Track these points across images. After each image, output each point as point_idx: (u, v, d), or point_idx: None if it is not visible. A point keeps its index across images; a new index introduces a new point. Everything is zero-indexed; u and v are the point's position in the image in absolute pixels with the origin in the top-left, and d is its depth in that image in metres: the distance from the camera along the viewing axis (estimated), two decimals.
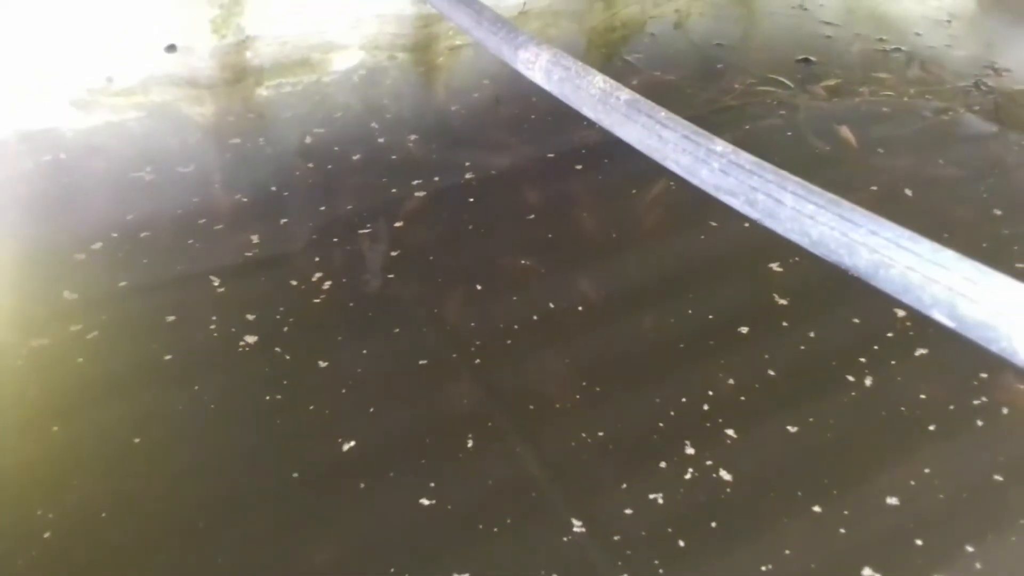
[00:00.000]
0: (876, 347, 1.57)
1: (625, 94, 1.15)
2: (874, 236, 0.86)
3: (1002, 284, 0.79)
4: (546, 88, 1.29)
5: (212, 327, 1.55)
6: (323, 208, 1.89)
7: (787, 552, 1.22)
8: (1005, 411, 1.45)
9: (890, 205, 1.98)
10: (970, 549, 1.22)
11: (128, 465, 1.32)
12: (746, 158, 1.00)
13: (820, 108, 2.41)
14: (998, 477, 1.34)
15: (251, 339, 1.52)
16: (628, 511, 1.26)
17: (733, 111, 2.38)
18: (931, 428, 1.42)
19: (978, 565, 1.20)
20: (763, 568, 1.20)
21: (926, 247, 0.84)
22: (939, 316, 0.82)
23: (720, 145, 1.03)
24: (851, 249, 0.88)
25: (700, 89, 2.48)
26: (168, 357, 1.49)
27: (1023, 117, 2.38)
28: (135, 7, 2.31)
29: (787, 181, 0.95)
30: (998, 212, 1.96)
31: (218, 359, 1.50)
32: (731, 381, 1.50)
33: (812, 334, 1.61)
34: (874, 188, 2.04)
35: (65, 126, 2.14)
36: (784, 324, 1.64)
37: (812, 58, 2.66)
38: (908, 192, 2.04)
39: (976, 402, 1.47)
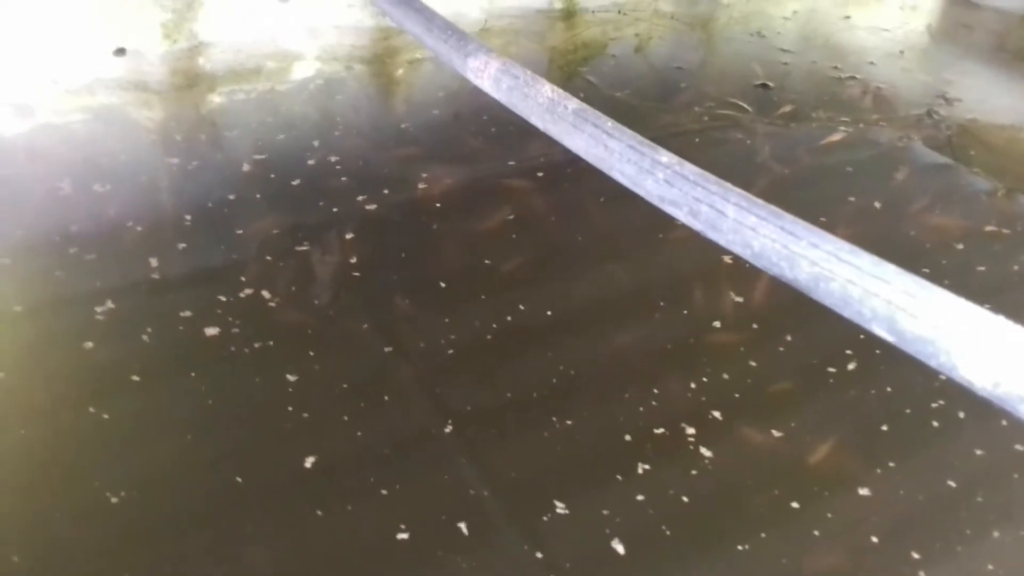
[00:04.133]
0: (862, 336, 1.59)
1: (573, 103, 1.13)
2: (815, 249, 0.85)
3: (941, 299, 0.78)
4: (495, 97, 1.26)
5: (145, 336, 1.48)
6: (264, 224, 1.81)
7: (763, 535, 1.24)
8: (961, 415, 1.47)
9: (845, 232, 1.99)
10: (916, 556, 1.22)
11: (76, 475, 1.25)
12: (690, 169, 0.98)
13: (778, 133, 2.42)
14: (951, 483, 1.35)
15: (209, 335, 1.47)
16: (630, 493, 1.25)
17: (693, 134, 2.39)
18: (883, 428, 1.44)
19: (921, 574, 1.19)
20: (739, 547, 1.21)
21: (866, 260, 0.82)
22: (878, 330, 0.80)
23: (665, 156, 1.01)
24: (792, 262, 0.86)
25: (661, 111, 2.49)
26: (94, 374, 1.42)
27: (973, 145, 2.43)
28: (82, 9, 2.25)
29: (730, 193, 0.93)
30: (960, 246, 1.97)
31: (146, 374, 1.43)
32: (725, 376, 1.52)
33: (789, 337, 1.62)
34: (823, 219, 2.05)
35: (3, 128, 2.07)
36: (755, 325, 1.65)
37: (770, 84, 2.69)
38: (867, 218, 2.05)
39: (934, 405, 1.49)
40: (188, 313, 1.53)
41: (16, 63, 2.20)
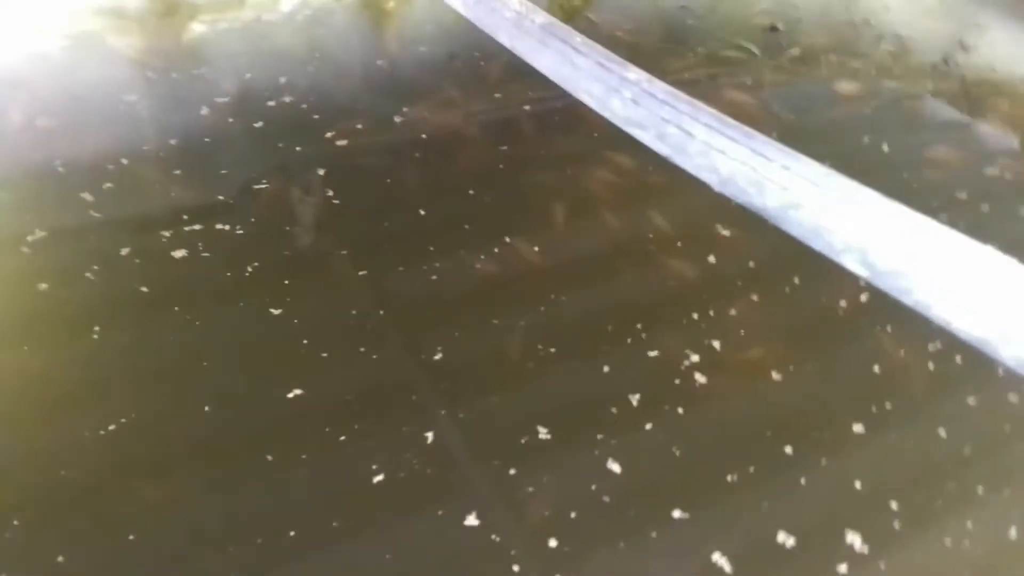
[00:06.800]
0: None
1: (541, 17, 1.05)
2: (786, 172, 0.77)
3: (920, 227, 0.70)
4: (463, 13, 1.18)
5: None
6: (229, 163, 1.72)
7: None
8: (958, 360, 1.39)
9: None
10: (894, 507, 1.16)
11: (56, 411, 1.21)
12: (660, 87, 0.90)
13: (786, 79, 2.31)
14: (941, 431, 1.28)
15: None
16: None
17: (699, 77, 2.28)
18: (875, 370, 1.36)
19: (896, 524, 1.14)
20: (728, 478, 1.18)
21: (842, 184, 0.74)
22: (850, 263, 0.73)
23: (634, 73, 0.93)
24: (761, 187, 0.78)
25: (664, 52, 2.38)
26: (84, 306, 1.36)
27: (990, 95, 2.31)
28: None
29: (700, 112, 0.85)
30: (961, 195, 1.87)
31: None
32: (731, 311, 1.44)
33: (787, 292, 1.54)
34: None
35: None
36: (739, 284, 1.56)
37: (779, 26, 2.56)
38: (877, 165, 1.95)
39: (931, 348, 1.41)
40: (127, 250, 1.46)
41: None
